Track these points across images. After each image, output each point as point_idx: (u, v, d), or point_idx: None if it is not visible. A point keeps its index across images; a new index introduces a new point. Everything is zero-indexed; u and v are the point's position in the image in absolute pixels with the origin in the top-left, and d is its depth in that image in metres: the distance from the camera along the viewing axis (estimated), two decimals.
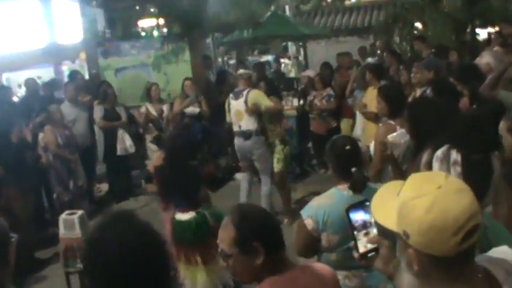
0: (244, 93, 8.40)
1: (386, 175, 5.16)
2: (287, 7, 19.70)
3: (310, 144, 12.19)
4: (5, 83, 16.93)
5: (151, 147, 10.36)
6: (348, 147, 3.90)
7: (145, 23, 14.95)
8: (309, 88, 11.46)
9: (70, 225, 6.50)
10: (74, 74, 12.16)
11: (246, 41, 14.59)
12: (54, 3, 18.40)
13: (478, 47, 12.95)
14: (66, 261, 6.54)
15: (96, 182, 11.35)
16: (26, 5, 19.69)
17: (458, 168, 3.91)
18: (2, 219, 2.91)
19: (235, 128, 8.45)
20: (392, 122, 5.53)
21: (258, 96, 8.40)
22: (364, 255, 2.31)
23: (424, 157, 4.13)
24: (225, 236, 2.56)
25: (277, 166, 8.73)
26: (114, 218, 2.15)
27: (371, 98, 8.98)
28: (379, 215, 2.01)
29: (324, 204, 3.81)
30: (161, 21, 14.11)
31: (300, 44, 18.75)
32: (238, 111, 8.44)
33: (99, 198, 11.09)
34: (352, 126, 10.76)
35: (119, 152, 10.41)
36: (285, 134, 8.90)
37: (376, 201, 2.07)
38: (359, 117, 9.82)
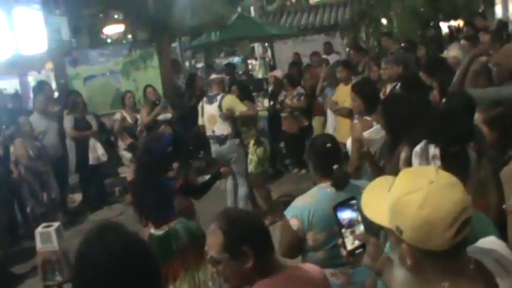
0: (219, 98, 8.40)
1: (364, 172, 5.17)
2: (252, 8, 19.75)
3: (282, 144, 12.22)
4: None
5: (125, 155, 10.28)
6: (328, 144, 3.91)
7: (110, 29, 14.83)
8: (279, 88, 11.49)
9: (47, 238, 6.43)
10: (41, 85, 11.99)
11: (214, 44, 14.59)
12: (16, 12, 18.13)
13: (442, 41, 13.14)
14: (45, 275, 6.48)
15: (69, 193, 11.21)
16: None
17: (438, 162, 3.93)
18: None
19: (209, 133, 8.44)
20: (368, 118, 5.55)
21: (232, 102, 8.40)
22: (351, 253, 2.32)
23: (402, 154, 4.14)
24: (214, 242, 2.55)
25: (249, 167, 8.72)
26: (100, 230, 2.12)
27: (342, 95, 9.05)
28: (370, 212, 2.02)
29: (308, 203, 3.82)
30: (122, 27, 13.99)
31: (266, 44, 18.81)
32: (212, 116, 8.44)
33: (73, 209, 10.97)
34: (324, 123, 10.83)
35: (91, 161, 10.30)
36: (259, 135, 8.87)
37: (366, 197, 2.08)
38: (330, 116, 9.88)
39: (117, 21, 14.43)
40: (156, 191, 5.21)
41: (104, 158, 10.33)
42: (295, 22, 19.20)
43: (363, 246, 2.31)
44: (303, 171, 11.34)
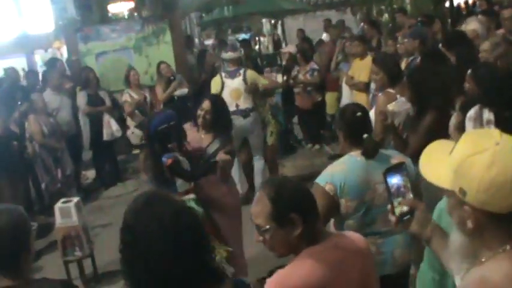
0: (241, 72, 8.40)
1: (387, 144, 5.14)
2: None
3: (295, 120, 12.17)
4: None
5: (136, 132, 10.22)
6: (358, 113, 3.93)
7: (117, 7, 14.69)
8: (292, 64, 11.42)
9: (66, 213, 6.39)
10: (53, 62, 11.96)
11: (226, 20, 14.46)
12: None
13: (456, 15, 13.00)
14: (65, 250, 6.45)
15: (82, 170, 11.19)
16: None
17: (492, 127, 3.92)
18: (21, 208, 2.87)
19: (232, 108, 8.33)
20: (391, 91, 5.56)
21: (254, 76, 8.52)
22: (400, 218, 2.30)
23: (453, 119, 4.12)
24: (261, 211, 2.52)
25: (270, 139, 8.86)
26: (148, 200, 2.07)
27: (357, 69, 9.02)
28: (429, 174, 1.97)
29: (339, 170, 3.81)
30: (131, 4, 13.85)
31: (273, 21, 18.67)
32: (236, 90, 8.37)
33: (87, 185, 10.96)
34: (338, 99, 10.76)
35: (105, 137, 10.25)
36: (272, 109, 8.91)
37: (424, 161, 2.04)
38: (345, 90, 9.80)
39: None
40: (153, 166, 5.37)
41: (119, 134, 10.27)
42: None
43: (411, 212, 2.29)
44: (317, 146, 11.33)
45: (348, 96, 9.67)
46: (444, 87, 4.91)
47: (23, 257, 2.74)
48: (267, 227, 2.50)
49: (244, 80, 8.33)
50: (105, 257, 6.97)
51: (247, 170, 8.84)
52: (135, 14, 12.72)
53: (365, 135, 3.79)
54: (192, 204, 5.55)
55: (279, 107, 10.90)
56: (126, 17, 13.11)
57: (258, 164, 8.66)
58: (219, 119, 5.78)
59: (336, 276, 2.48)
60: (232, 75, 8.42)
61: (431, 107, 4.84)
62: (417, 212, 2.27)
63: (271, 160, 9.04)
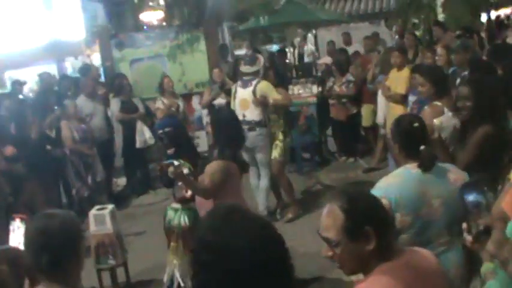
0: (254, 82, 8.19)
1: None
2: None
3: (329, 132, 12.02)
4: (7, 81, 16.72)
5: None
6: (415, 124, 3.81)
7: (147, 16, 14.71)
8: (328, 74, 11.29)
9: (101, 220, 6.28)
10: (86, 68, 11.97)
11: (261, 29, 14.39)
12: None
13: (494, 28, 12.82)
14: (98, 258, 6.33)
15: (113, 177, 11.13)
16: (27, 2, 19.53)
17: None
18: (74, 214, 2.79)
19: (240, 117, 8.17)
20: (438, 103, 5.41)
21: (266, 88, 8.17)
22: (476, 238, 2.14)
23: None
24: (332, 223, 2.36)
25: (273, 152, 8.38)
26: (228, 215, 1.89)
27: (394, 80, 8.87)
28: None
29: (393, 183, 3.65)
30: (161, 14, 13.85)
31: (302, 31, 18.54)
32: (244, 100, 8.21)
33: (117, 193, 10.88)
34: (374, 112, 10.59)
35: (138, 145, 10.19)
36: (286, 126, 8.59)
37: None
38: (381, 103, 9.63)
39: (153, 8, 14.31)
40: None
41: (151, 141, 10.19)
42: (339, 9, 18.92)
43: (488, 231, 2.13)
44: (351, 159, 11.15)
45: (383, 108, 9.50)
46: (499, 97, 4.77)
47: (73, 264, 2.66)
48: (338, 240, 2.35)
49: (254, 91, 8.12)
50: (138, 266, 6.88)
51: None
52: (163, 23, 12.70)
53: (422, 147, 3.64)
54: (170, 212, 5.70)
55: (313, 118, 10.78)
56: (159, 25, 13.13)
57: (262, 182, 8.34)
58: (219, 132, 5.52)
59: None
60: (244, 85, 8.27)
61: (483, 120, 4.66)
62: (495, 231, 2.11)
63: (277, 176, 8.56)
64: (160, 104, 10.01)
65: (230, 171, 5.13)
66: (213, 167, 5.10)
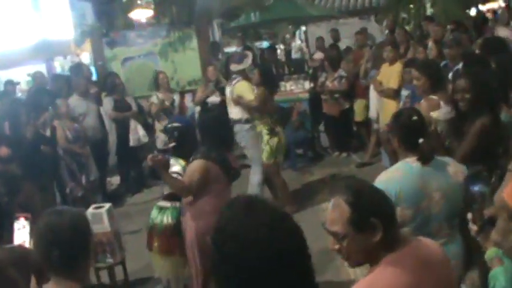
0: (234, 82, 8.39)
1: None
2: None
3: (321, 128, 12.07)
4: None
5: (161, 137, 10.13)
6: (414, 117, 3.83)
7: (137, 14, 14.66)
8: (320, 70, 11.33)
9: (98, 219, 6.23)
10: (78, 67, 11.92)
11: (252, 26, 14.38)
12: None
13: (484, 23, 12.85)
14: (96, 257, 6.32)
15: (107, 176, 11.12)
16: (15, 1, 19.41)
17: None
18: (84, 210, 2.82)
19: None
20: (434, 97, 5.48)
21: (242, 89, 8.29)
22: (481, 228, 2.18)
23: None
24: (338, 216, 2.38)
25: (262, 156, 8.36)
26: (248, 205, 1.91)
27: (386, 75, 8.92)
28: None
29: (394, 177, 3.69)
30: (150, 12, 13.80)
31: (290, 27, 18.54)
32: (227, 98, 8.53)
33: (112, 191, 10.87)
34: (366, 107, 10.63)
35: (132, 143, 10.19)
36: (273, 124, 8.34)
37: None
38: (373, 98, 9.68)
39: (142, 6, 14.24)
40: None
41: (145, 139, 10.20)
42: (328, 4, 18.93)
43: (492, 221, 2.17)
44: (344, 154, 11.19)
45: (376, 103, 9.56)
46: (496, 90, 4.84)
47: (82, 259, 2.69)
48: (345, 232, 2.38)
49: (231, 91, 8.33)
50: (135, 264, 6.88)
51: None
52: (152, 21, 12.66)
53: (421, 140, 3.67)
54: (154, 212, 5.78)
55: (306, 114, 10.81)
56: (144, 24, 13.09)
57: (253, 178, 8.35)
58: (206, 133, 5.45)
59: (417, 285, 2.35)
60: (230, 83, 8.53)
61: (481, 112, 4.71)
62: (499, 221, 2.15)
63: (270, 178, 8.53)
64: (154, 99, 10.03)
65: (210, 173, 5.01)
66: (193, 166, 5.01)
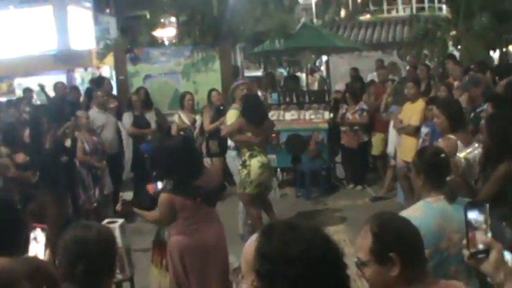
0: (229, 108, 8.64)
1: None
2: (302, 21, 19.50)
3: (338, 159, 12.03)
4: (16, 88, 16.83)
5: None
6: (442, 155, 3.84)
7: (161, 33, 14.80)
8: (340, 101, 11.33)
9: None
10: (100, 80, 12.02)
11: (275, 53, 14.42)
12: (70, 10, 18.34)
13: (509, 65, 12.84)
14: None
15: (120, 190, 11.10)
16: (40, 12, 19.64)
17: None
18: (110, 228, 2.81)
19: None
20: (452, 137, 5.45)
21: (229, 115, 8.36)
22: (474, 255, 2.19)
23: None
24: (363, 244, 2.41)
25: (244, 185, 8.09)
26: (288, 225, 1.90)
27: (407, 112, 8.87)
28: None
29: (413, 217, 3.60)
30: (173, 31, 13.90)
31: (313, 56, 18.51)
32: None
33: None
34: (384, 141, 10.61)
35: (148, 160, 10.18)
36: (250, 155, 7.95)
37: None
38: (392, 134, 9.66)
39: (165, 25, 14.36)
40: None
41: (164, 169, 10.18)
42: (352, 36, 18.99)
43: (486, 252, 2.17)
44: (359, 187, 11.14)
45: (394, 139, 9.53)
46: None
47: (106, 275, 2.66)
48: (367, 261, 2.38)
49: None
50: (142, 281, 6.82)
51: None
52: (174, 41, 12.73)
53: (448, 178, 3.67)
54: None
55: (324, 144, 10.78)
56: (166, 43, 13.18)
57: (240, 203, 8.39)
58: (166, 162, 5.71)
59: None
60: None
61: (502, 157, 4.68)
62: (493, 252, 2.16)
63: (245, 206, 8.31)
64: (176, 118, 10.06)
65: (175, 203, 5.29)
66: (160, 200, 5.41)
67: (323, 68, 19.53)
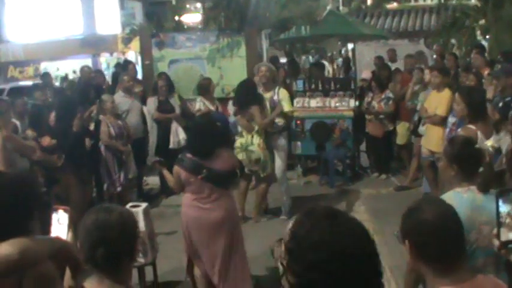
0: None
1: None
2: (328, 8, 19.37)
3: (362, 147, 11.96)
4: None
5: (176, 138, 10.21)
6: (477, 145, 3.82)
7: (187, 18, 14.77)
8: (366, 89, 11.24)
9: None
10: (125, 64, 12.03)
11: (300, 39, 14.34)
12: None
13: None
14: None
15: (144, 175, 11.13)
16: None
17: None
18: (131, 211, 2.78)
19: None
20: (472, 127, 5.35)
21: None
22: (504, 245, 2.15)
23: None
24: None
25: None
26: (329, 214, 1.85)
27: (433, 102, 8.75)
28: None
29: None
30: (199, 16, 13.85)
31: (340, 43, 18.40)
32: None
33: (147, 191, 10.89)
34: (409, 130, 10.52)
35: (171, 145, 10.19)
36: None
37: None
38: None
39: (191, 11, 14.32)
40: None
41: (185, 143, 10.18)
42: (378, 25, 18.82)
43: None
44: (383, 176, 11.05)
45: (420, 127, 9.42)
46: None
47: (126, 260, 2.65)
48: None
49: None
50: (165, 266, 6.86)
51: None
52: (199, 26, 12.67)
53: (481, 169, 3.63)
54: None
55: (348, 132, 10.71)
56: (194, 28, 13.13)
57: None
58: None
59: None
60: None
61: None
62: None
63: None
64: (201, 105, 10.04)
65: (179, 175, 5.95)
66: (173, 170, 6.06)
67: (350, 54, 19.39)
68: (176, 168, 5.96)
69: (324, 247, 1.74)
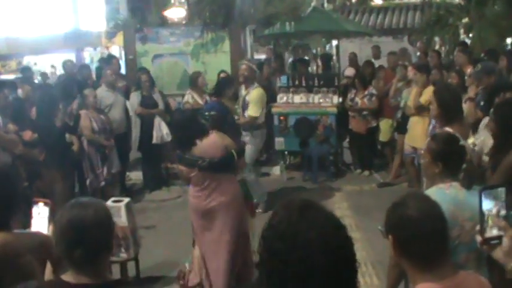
0: None
1: None
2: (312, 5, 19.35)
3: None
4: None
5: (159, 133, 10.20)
6: (461, 142, 3.78)
7: (171, 13, 14.73)
8: (350, 86, 11.25)
9: (116, 212, 6.18)
10: (109, 58, 11.95)
11: (284, 36, 14.33)
12: None
13: None
14: None
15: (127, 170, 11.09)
16: None
17: None
18: (105, 203, 2.74)
19: None
20: (449, 130, 5.24)
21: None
22: (487, 241, 2.17)
23: None
24: None
25: None
26: (302, 208, 1.86)
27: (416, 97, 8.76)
28: None
29: None
30: (183, 12, 13.81)
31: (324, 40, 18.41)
32: None
33: (129, 186, 10.85)
34: (392, 126, 10.57)
35: (154, 140, 10.15)
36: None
37: None
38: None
39: (175, 5, 14.26)
40: None
41: (168, 138, 10.10)
42: (362, 21, 18.79)
43: (499, 237, 2.21)
44: (366, 172, 11.09)
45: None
46: None
47: (104, 256, 2.61)
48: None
49: None
50: (148, 261, 6.83)
51: None
52: (184, 22, 12.63)
53: (464, 165, 3.64)
54: None
55: (332, 128, 10.72)
56: (178, 23, 13.09)
57: None
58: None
59: None
60: None
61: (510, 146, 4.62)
62: (505, 239, 2.15)
63: None
64: (189, 98, 10.01)
65: (183, 171, 6.04)
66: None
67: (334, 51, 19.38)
68: (179, 166, 6.08)
69: (288, 237, 1.77)
